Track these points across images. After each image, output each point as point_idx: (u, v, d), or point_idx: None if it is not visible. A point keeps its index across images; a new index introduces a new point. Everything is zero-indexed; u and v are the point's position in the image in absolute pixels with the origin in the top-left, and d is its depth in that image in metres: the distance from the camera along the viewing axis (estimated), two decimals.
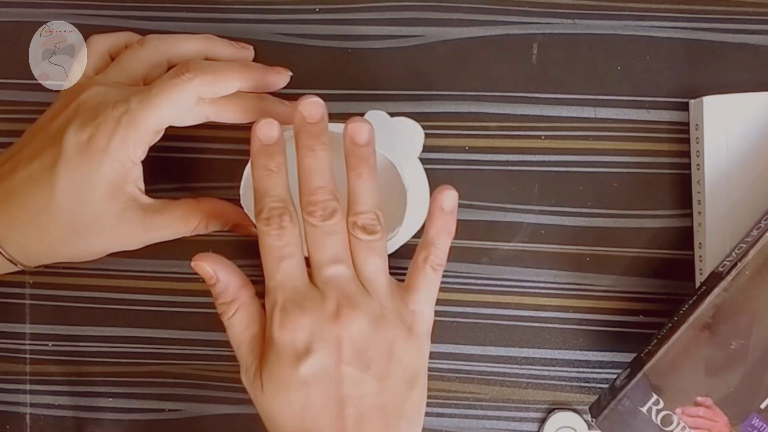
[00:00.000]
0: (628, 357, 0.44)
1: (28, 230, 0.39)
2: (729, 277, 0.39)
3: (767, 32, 0.45)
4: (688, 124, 0.45)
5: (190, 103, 0.39)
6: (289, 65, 0.44)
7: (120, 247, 0.41)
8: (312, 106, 0.37)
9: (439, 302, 0.39)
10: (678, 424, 0.39)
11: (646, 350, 0.41)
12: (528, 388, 0.46)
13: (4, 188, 0.39)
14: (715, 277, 0.40)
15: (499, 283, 0.46)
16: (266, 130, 0.37)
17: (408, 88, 0.46)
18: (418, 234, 0.41)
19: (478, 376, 0.46)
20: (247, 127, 0.45)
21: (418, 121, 0.45)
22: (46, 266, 0.43)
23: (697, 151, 0.44)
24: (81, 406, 0.47)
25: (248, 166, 0.41)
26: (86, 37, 0.43)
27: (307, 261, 0.37)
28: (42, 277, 0.47)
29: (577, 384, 0.46)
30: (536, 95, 0.46)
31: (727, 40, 0.46)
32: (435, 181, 0.42)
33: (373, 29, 0.46)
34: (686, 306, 0.41)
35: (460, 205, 0.45)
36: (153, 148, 0.41)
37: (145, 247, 0.42)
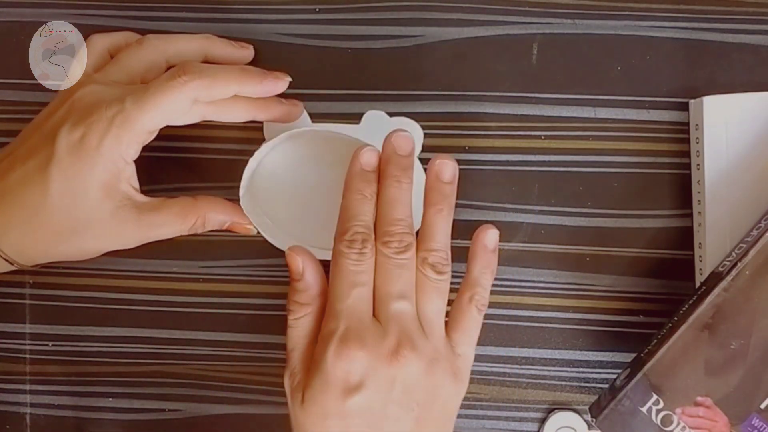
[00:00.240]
0: (628, 357, 0.44)
1: (25, 230, 0.39)
2: (729, 277, 0.39)
3: (767, 32, 0.45)
4: (688, 124, 0.45)
5: (185, 105, 0.39)
6: (289, 65, 0.44)
7: (116, 246, 0.41)
8: (404, 140, 0.38)
9: None
10: (678, 424, 0.39)
11: (646, 350, 0.41)
12: (528, 388, 0.46)
13: (0, 187, 0.39)
14: (715, 277, 0.40)
15: (499, 283, 0.46)
16: (368, 157, 0.38)
17: (408, 88, 0.46)
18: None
19: (478, 376, 0.46)
20: (247, 127, 0.45)
21: (418, 121, 0.45)
22: (46, 266, 0.43)
23: (697, 151, 0.44)
24: (81, 406, 0.47)
25: (248, 166, 0.41)
26: (86, 37, 0.43)
27: None
28: (42, 277, 0.47)
29: (577, 384, 0.46)
30: (536, 95, 0.46)
31: (727, 40, 0.46)
32: None
33: (373, 29, 0.46)
34: (686, 306, 0.41)
35: (460, 205, 0.45)
36: (152, 149, 0.41)
37: (144, 247, 0.41)
